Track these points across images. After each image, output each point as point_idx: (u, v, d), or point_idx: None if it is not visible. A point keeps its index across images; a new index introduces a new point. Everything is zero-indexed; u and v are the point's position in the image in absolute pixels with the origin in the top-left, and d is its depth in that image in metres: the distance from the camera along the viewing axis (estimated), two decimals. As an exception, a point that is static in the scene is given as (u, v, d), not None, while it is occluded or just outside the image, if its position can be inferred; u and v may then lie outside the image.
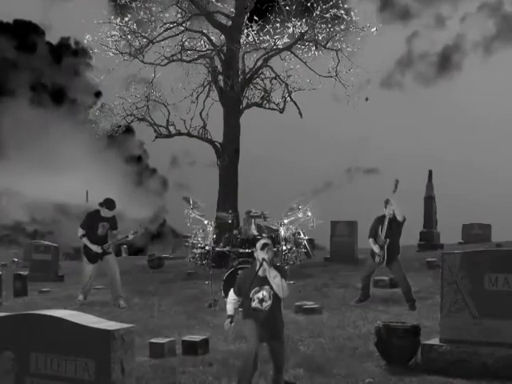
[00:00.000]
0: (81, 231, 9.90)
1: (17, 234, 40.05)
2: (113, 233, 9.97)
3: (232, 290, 4.99)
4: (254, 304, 4.74)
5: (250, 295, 4.76)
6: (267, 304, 4.71)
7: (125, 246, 25.97)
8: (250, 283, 4.74)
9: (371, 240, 9.14)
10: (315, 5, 17.28)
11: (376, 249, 8.99)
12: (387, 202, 9.11)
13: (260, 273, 4.74)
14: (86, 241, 9.84)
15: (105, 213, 9.83)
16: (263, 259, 4.72)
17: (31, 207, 41.93)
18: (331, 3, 17.17)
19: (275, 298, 4.74)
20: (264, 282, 4.74)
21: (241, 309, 4.94)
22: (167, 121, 18.40)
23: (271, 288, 4.71)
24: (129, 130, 19.11)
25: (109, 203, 9.84)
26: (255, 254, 4.91)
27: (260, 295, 4.73)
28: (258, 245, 4.87)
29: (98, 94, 19.83)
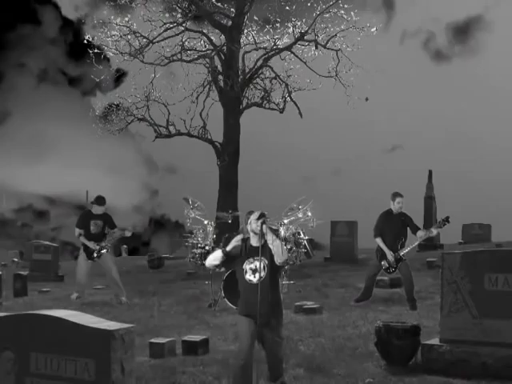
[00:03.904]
0: (77, 231, 10.15)
1: (5, 226, 39.92)
2: (111, 231, 10.18)
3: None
4: (247, 276, 4.56)
5: (243, 266, 4.59)
6: (261, 275, 4.50)
7: (125, 246, 25.96)
8: (244, 253, 4.58)
9: (379, 240, 8.70)
10: (315, 5, 17.32)
11: (389, 255, 8.58)
12: (396, 195, 8.72)
13: (255, 243, 4.57)
14: (83, 239, 10.06)
15: (96, 210, 10.10)
16: (262, 222, 4.48)
17: (20, 199, 41.72)
18: (331, 3, 17.20)
19: (270, 269, 4.54)
20: (257, 252, 4.51)
21: (235, 307, 4.81)
22: (167, 121, 18.42)
23: (266, 259, 4.53)
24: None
25: (98, 199, 10.18)
26: (248, 227, 4.66)
27: (253, 266, 4.55)
28: (254, 216, 4.62)
29: (118, 78, 19.09)
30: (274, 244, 4.51)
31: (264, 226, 4.48)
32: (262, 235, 4.50)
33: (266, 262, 4.55)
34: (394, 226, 8.72)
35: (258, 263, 4.52)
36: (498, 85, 35.93)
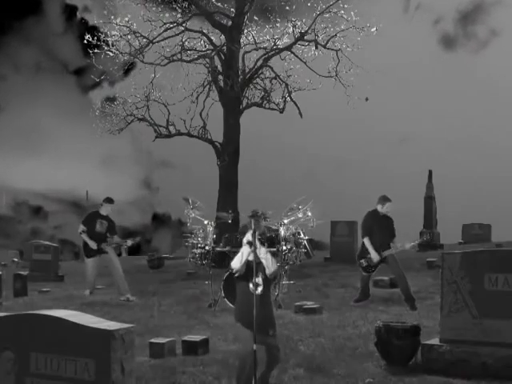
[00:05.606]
0: (81, 227, 10.56)
1: (3, 224, 39.82)
2: (113, 237, 10.64)
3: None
4: (251, 287, 4.55)
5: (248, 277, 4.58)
6: (261, 289, 4.55)
7: (125, 247, 25.95)
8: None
9: (367, 240, 8.86)
10: (315, 5, 17.33)
11: (373, 254, 8.75)
12: (385, 199, 8.96)
13: (250, 257, 4.56)
14: (85, 237, 10.47)
15: (104, 210, 10.57)
16: (249, 243, 4.47)
17: (15, 196, 41.54)
18: (331, 3, 17.21)
19: (265, 283, 4.61)
20: (257, 266, 4.54)
21: (232, 305, 4.78)
22: (167, 121, 18.40)
23: (263, 272, 4.58)
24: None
25: (108, 199, 10.68)
26: (244, 240, 4.64)
27: (255, 280, 4.53)
28: (248, 234, 4.61)
29: (127, 72, 18.84)
30: (266, 257, 4.56)
31: (252, 245, 4.46)
32: (254, 249, 4.50)
33: (264, 275, 4.61)
34: (382, 225, 8.93)
35: (257, 278, 4.55)
36: (499, 84, 35.85)
